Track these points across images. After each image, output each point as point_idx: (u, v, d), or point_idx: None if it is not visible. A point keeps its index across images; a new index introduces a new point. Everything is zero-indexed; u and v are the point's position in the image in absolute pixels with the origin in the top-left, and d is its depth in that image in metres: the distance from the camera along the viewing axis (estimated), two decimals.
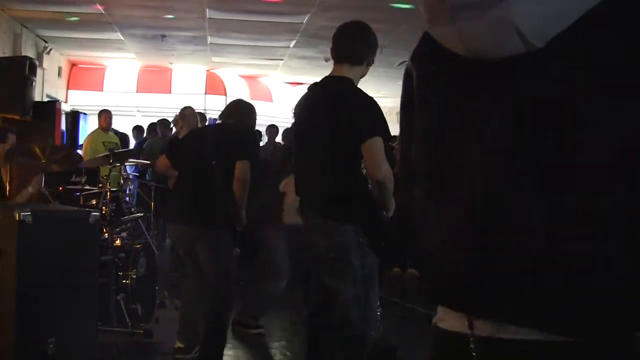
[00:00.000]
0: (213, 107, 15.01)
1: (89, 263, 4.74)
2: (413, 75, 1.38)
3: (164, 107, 14.12)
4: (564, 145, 1.09)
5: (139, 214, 6.80)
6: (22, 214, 4.31)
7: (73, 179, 6.92)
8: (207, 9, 10.17)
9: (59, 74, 14.44)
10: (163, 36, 12.20)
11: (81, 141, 11.71)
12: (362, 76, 3.98)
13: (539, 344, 1.12)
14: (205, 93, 16.28)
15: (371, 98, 3.82)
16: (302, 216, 4.05)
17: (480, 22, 1.12)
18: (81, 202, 6.22)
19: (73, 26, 11.47)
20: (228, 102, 5.74)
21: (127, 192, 8.15)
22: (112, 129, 10.65)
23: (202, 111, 11.40)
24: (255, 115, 5.33)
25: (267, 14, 10.37)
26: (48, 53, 12.90)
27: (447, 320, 1.27)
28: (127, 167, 7.82)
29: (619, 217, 1.07)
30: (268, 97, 17.36)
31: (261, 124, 12.30)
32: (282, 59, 14.31)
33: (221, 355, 4.94)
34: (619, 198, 1.07)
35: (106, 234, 5.73)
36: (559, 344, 1.11)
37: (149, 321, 5.83)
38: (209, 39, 12.46)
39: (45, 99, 12.44)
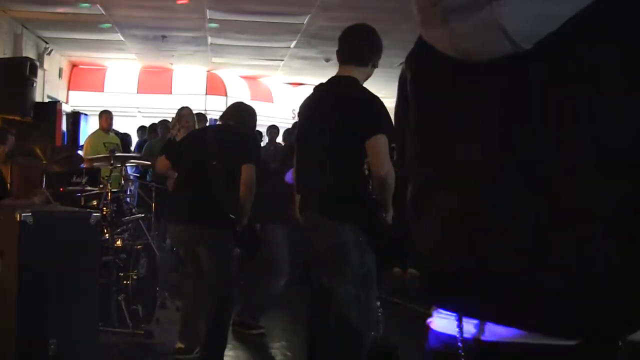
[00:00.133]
0: (214, 108, 15.02)
1: (90, 264, 4.75)
2: (407, 77, 1.38)
3: (164, 107, 14.12)
4: (552, 144, 1.10)
5: (140, 215, 6.81)
6: (23, 214, 4.31)
7: (74, 179, 6.92)
8: (208, 10, 10.17)
9: (60, 75, 14.44)
10: (164, 37, 12.20)
11: (82, 142, 11.71)
12: (367, 78, 4.01)
13: (527, 346, 1.12)
14: (206, 94, 16.28)
15: (376, 96, 3.84)
16: (301, 215, 4.06)
17: (469, 24, 1.13)
18: (82, 203, 6.23)
19: (74, 27, 11.47)
20: (229, 104, 5.74)
21: (128, 192, 8.16)
22: (113, 129, 10.65)
23: (203, 112, 11.40)
24: (255, 118, 5.35)
25: (267, 15, 10.37)
26: (49, 54, 12.91)
27: (438, 321, 1.27)
28: (127, 167, 7.80)
29: (608, 216, 1.08)
30: (269, 98, 17.36)
31: (262, 125, 12.29)
32: (282, 60, 14.31)
33: (222, 355, 4.94)
34: (607, 197, 1.07)
35: (107, 235, 5.73)
36: (549, 346, 1.11)
37: (150, 322, 5.83)
38: (210, 40, 12.47)
39: (46, 100, 12.45)
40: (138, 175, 9.89)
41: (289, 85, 17.96)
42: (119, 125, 11.74)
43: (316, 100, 4.08)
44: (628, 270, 1.08)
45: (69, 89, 15.52)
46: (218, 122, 5.69)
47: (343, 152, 3.81)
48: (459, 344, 1.19)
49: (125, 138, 12.14)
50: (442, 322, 1.25)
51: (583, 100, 1.09)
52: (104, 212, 5.75)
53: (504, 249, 1.13)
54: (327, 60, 13.25)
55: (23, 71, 9.82)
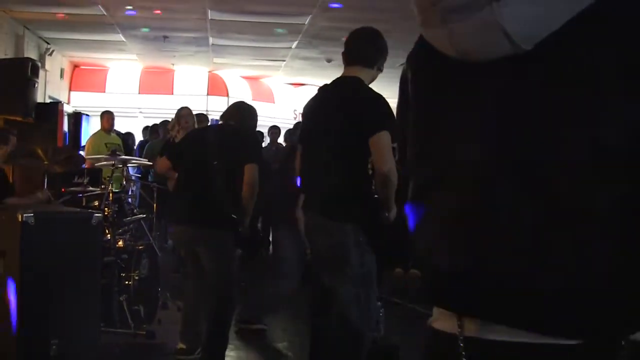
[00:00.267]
0: (215, 108, 15.01)
1: (92, 264, 4.75)
2: (408, 77, 1.39)
3: (166, 108, 14.12)
4: (551, 145, 1.10)
5: (142, 215, 6.81)
6: (24, 215, 4.32)
7: (75, 180, 6.92)
8: (209, 10, 10.18)
9: (61, 76, 14.45)
10: (165, 37, 12.20)
11: (83, 142, 11.71)
12: (372, 80, 4.02)
13: (528, 346, 1.12)
14: (208, 94, 16.29)
15: (381, 96, 3.86)
16: (304, 215, 4.06)
17: (469, 24, 1.13)
18: (83, 204, 6.23)
19: (75, 27, 11.48)
20: (230, 104, 5.73)
21: (130, 193, 8.16)
22: (115, 130, 10.66)
23: (205, 112, 11.39)
24: (256, 118, 5.34)
25: (268, 15, 10.37)
26: (50, 54, 12.92)
27: (440, 320, 1.27)
28: (129, 168, 7.81)
29: (607, 217, 1.08)
30: (270, 98, 17.37)
31: (263, 125, 12.30)
32: (284, 60, 14.32)
33: (223, 356, 4.94)
34: (606, 197, 1.08)
35: (108, 235, 5.73)
36: (549, 346, 1.11)
37: (152, 322, 5.83)
38: (211, 40, 12.47)
39: (48, 101, 12.46)
40: (139, 175, 9.89)
41: (291, 86, 17.96)
42: (120, 125, 11.75)
43: (321, 100, 4.09)
44: (627, 271, 1.08)
45: (70, 90, 15.53)
46: (219, 122, 5.67)
47: (347, 152, 3.82)
48: (460, 343, 1.20)
49: (127, 138, 12.16)
50: (443, 321, 1.25)
51: (582, 101, 1.09)
52: (106, 213, 5.75)
53: (504, 249, 1.13)
54: (329, 60, 13.26)
55: (25, 72, 9.83)
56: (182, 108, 7.29)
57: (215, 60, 14.66)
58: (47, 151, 6.16)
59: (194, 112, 7.47)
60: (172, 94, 16.07)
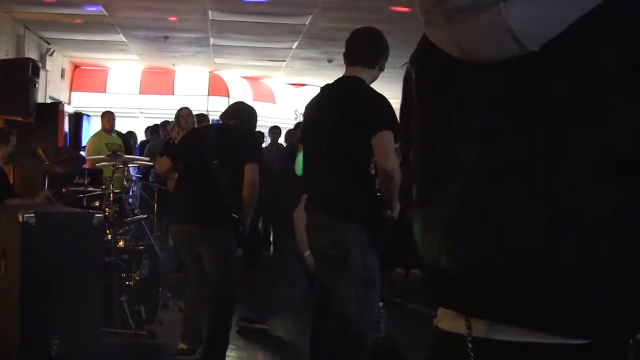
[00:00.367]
0: (216, 109, 14.99)
1: (92, 264, 4.76)
2: (412, 77, 1.38)
3: (166, 108, 14.11)
4: (556, 145, 1.10)
5: (142, 216, 6.82)
6: (25, 215, 4.32)
7: (76, 180, 6.92)
8: (210, 11, 10.18)
9: (62, 76, 14.45)
10: (166, 38, 12.20)
11: (84, 143, 11.72)
12: (374, 80, 4.02)
13: (536, 346, 1.12)
14: (208, 94, 16.28)
15: (383, 96, 3.87)
16: (307, 214, 4.06)
17: (475, 25, 1.13)
18: (84, 204, 6.24)
19: (76, 28, 11.48)
20: (230, 104, 5.73)
21: (130, 193, 8.16)
22: (115, 130, 10.66)
23: (205, 112, 11.39)
24: (256, 119, 5.33)
25: (269, 15, 10.37)
26: (51, 55, 12.91)
27: (446, 320, 1.27)
28: (130, 168, 7.81)
29: (612, 216, 1.08)
30: (271, 99, 17.36)
31: (264, 125, 12.31)
32: (284, 60, 14.31)
33: (224, 356, 4.94)
34: (612, 197, 1.08)
35: (109, 236, 5.74)
36: (557, 346, 1.11)
37: (152, 322, 5.84)
38: (212, 41, 12.47)
39: (48, 101, 12.45)
40: (140, 176, 9.89)
41: (291, 86, 17.95)
42: (121, 126, 11.75)
43: (322, 100, 4.09)
44: (634, 270, 1.08)
45: (71, 90, 15.52)
46: (219, 122, 5.65)
47: (350, 152, 3.82)
48: (469, 344, 1.19)
49: (128, 138, 12.16)
50: (449, 321, 1.25)
51: (587, 102, 1.09)
52: (107, 213, 5.75)
53: (510, 249, 1.13)
54: (330, 60, 13.25)
55: (25, 72, 9.83)
56: (182, 108, 7.28)
57: (216, 60, 14.65)
58: (48, 151, 6.15)
59: (195, 113, 7.47)
60: (173, 94, 16.06)
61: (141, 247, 6.01)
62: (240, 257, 5.63)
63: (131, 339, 5.39)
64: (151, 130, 12.13)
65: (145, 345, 5.41)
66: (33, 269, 4.34)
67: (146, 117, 15.16)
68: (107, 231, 5.71)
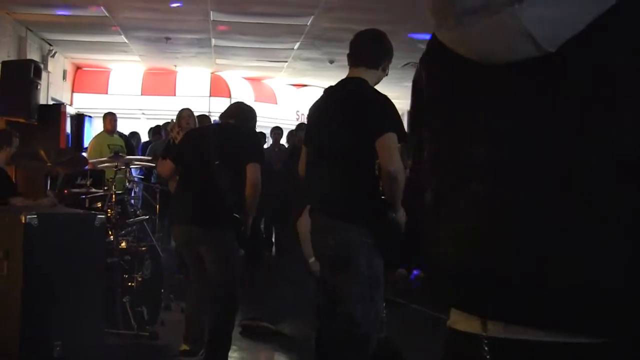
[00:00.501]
0: (218, 110, 14.95)
1: (95, 265, 4.76)
2: (422, 79, 1.37)
3: (168, 109, 14.12)
4: (570, 145, 1.10)
5: (144, 217, 6.82)
6: (28, 216, 4.33)
7: (78, 181, 6.93)
8: (211, 12, 10.18)
9: (64, 77, 14.46)
10: (167, 39, 12.21)
11: (86, 144, 11.73)
12: (378, 81, 4.02)
13: (553, 345, 1.12)
14: (210, 95, 16.29)
15: (387, 97, 3.87)
16: (310, 217, 4.06)
17: (489, 26, 1.12)
18: (86, 205, 6.24)
19: (77, 29, 11.49)
20: (229, 103, 5.72)
21: (132, 194, 8.17)
22: (117, 131, 10.67)
23: (207, 113, 11.40)
24: (256, 119, 5.32)
25: (270, 16, 10.37)
26: (53, 56, 12.92)
27: (461, 322, 1.26)
28: (132, 169, 7.82)
29: (630, 216, 1.07)
30: (272, 99, 17.37)
31: (266, 126, 12.32)
32: (286, 61, 14.31)
33: (226, 357, 4.94)
34: (628, 197, 1.07)
35: (111, 237, 5.75)
36: (574, 344, 1.10)
37: (155, 323, 5.84)
38: (213, 42, 12.48)
39: (50, 102, 12.46)
40: (142, 177, 9.90)
41: (293, 87, 17.96)
42: (122, 127, 11.76)
43: (326, 102, 4.09)
44: None
45: (73, 91, 15.53)
46: (218, 121, 5.62)
47: (354, 153, 3.82)
48: (485, 346, 1.19)
49: (131, 138, 12.17)
50: (464, 322, 1.25)
51: (600, 103, 1.09)
52: (109, 214, 5.76)
53: (524, 250, 1.12)
54: (331, 61, 13.25)
55: (27, 73, 9.84)
56: (183, 109, 7.29)
57: (218, 61, 14.66)
58: (50, 153, 6.16)
59: (197, 114, 7.47)
60: (175, 95, 16.06)
61: (143, 248, 6.01)
62: (242, 258, 5.62)
63: (133, 340, 5.39)
64: (153, 131, 12.13)
65: (147, 346, 5.42)
66: (35, 270, 4.34)
67: (148, 118, 15.17)
68: (110, 232, 5.72)
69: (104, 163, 6.91)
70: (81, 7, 10.05)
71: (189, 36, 12.12)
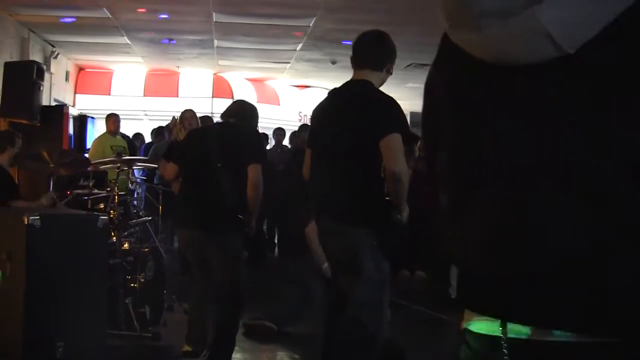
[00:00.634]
0: (220, 111, 14.91)
1: (97, 267, 4.76)
2: (436, 81, 1.36)
3: (171, 110, 14.11)
4: (594, 146, 1.09)
5: (147, 218, 6.82)
6: (30, 217, 4.33)
7: (81, 182, 6.93)
8: (214, 13, 10.19)
9: (67, 78, 14.47)
10: (170, 40, 12.22)
11: (89, 145, 11.74)
12: (382, 82, 4.02)
13: (575, 345, 1.11)
14: (213, 96, 16.30)
15: (392, 98, 3.86)
16: (315, 220, 4.05)
17: (507, 28, 1.11)
18: (89, 206, 6.24)
19: (80, 30, 11.50)
20: (231, 102, 5.69)
21: (135, 195, 8.18)
22: (120, 132, 10.69)
23: (210, 114, 11.40)
24: (257, 117, 5.28)
25: (273, 17, 10.37)
26: (55, 57, 12.93)
27: (478, 323, 1.25)
28: (134, 170, 7.82)
29: None
30: (275, 100, 17.37)
31: (268, 127, 12.32)
32: (288, 62, 14.32)
33: (230, 358, 4.94)
34: None
35: (114, 238, 5.75)
36: (594, 344, 1.10)
37: (157, 324, 5.84)
38: (216, 43, 12.48)
39: (53, 103, 12.48)
40: (145, 178, 9.91)
41: (296, 88, 17.96)
42: (125, 128, 11.77)
43: (330, 104, 4.08)
44: None
45: (75, 92, 15.54)
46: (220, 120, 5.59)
47: (359, 155, 3.81)
48: (504, 347, 1.18)
49: (134, 139, 12.18)
50: (481, 324, 1.24)
51: (621, 103, 1.08)
52: (111, 215, 5.76)
53: (546, 253, 1.11)
54: (334, 62, 13.25)
55: (30, 75, 9.85)
56: (186, 110, 7.29)
57: (220, 62, 14.67)
58: (53, 154, 6.16)
59: (199, 115, 7.48)
60: (177, 96, 16.08)
61: (146, 249, 6.01)
62: (245, 259, 5.62)
63: (136, 341, 5.39)
64: (155, 132, 12.14)
65: (150, 347, 5.42)
66: (38, 271, 4.34)
67: (150, 120, 15.17)
68: (112, 233, 5.72)
69: (107, 164, 6.91)
70: (84, 8, 10.06)
71: (192, 37, 12.12)
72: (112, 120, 10.31)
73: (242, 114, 5.15)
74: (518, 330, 1.17)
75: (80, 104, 15.24)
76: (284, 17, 10.32)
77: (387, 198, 3.83)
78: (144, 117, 15.78)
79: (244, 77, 16.73)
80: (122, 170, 6.47)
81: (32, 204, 5.71)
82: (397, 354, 4.68)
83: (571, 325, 1.11)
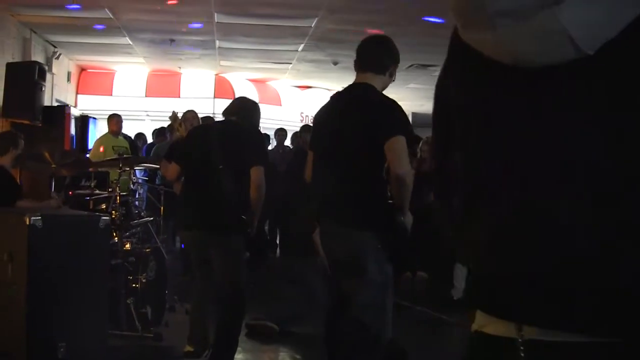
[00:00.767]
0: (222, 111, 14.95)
1: (99, 267, 4.77)
2: (446, 83, 1.35)
3: (173, 111, 14.14)
4: (608, 149, 1.08)
5: (149, 218, 6.83)
6: (32, 218, 4.33)
7: (83, 183, 6.94)
8: (215, 13, 10.19)
9: (68, 79, 14.48)
10: (172, 40, 12.22)
11: (91, 145, 11.75)
12: (385, 87, 4.02)
13: (590, 345, 1.11)
14: (214, 97, 16.30)
15: (395, 101, 3.87)
16: (318, 223, 4.05)
17: (525, 29, 1.09)
18: (91, 207, 6.25)
19: (82, 31, 11.51)
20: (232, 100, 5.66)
21: (137, 196, 8.18)
22: (122, 133, 10.70)
23: (211, 115, 11.40)
24: (259, 114, 5.26)
25: (275, 18, 10.38)
26: (57, 58, 12.94)
27: (491, 325, 1.24)
28: (136, 171, 7.83)
29: None
30: (277, 101, 17.37)
31: (270, 128, 12.32)
32: (290, 63, 14.32)
33: (232, 358, 4.94)
34: None
35: (116, 238, 5.75)
36: (609, 344, 1.09)
37: (159, 325, 5.84)
38: (218, 43, 12.49)
39: (55, 104, 12.48)
40: (147, 178, 9.91)
41: (297, 89, 17.96)
42: (127, 128, 11.78)
43: (333, 107, 4.09)
44: None
45: (77, 93, 15.55)
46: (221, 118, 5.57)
47: (362, 158, 3.80)
48: (520, 351, 1.17)
49: (137, 140, 12.19)
50: (496, 325, 1.22)
51: (634, 104, 1.07)
52: (113, 216, 5.76)
53: (560, 255, 1.11)
54: (335, 63, 13.25)
55: (32, 75, 9.86)
56: (188, 111, 7.30)
57: (222, 63, 14.67)
58: (54, 154, 6.17)
59: (201, 115, 7.48)
60: (179, 96, 16.08)
61: (148, 250, 6.02)
62: (246, 260, 5.62)
63: (137, 341, 5.39)
64: (157, 133, 12.16)
65: (151, 347, 5.42)
66: (40, 272, 4.35)
67: (152, 120, 15.18)
68: (114, 234, 5.72)
69: (108, 164, 6.92)
70: (85, 9, 10.07)
71: (193, 38, 12.13)
72: (114, 120, 10.32)
73: (243, 111, 5.12)
74: (534, 331, 1.16)
75: (82, 104, 15.25)
76: (285, 17, 10.32)
77: (389, 200, 3.83)
78: (145, 118, 15.78)
79: (245, 78, 16.73)
80: (124, 170, 6.47)
81: (41, 204, 5.71)
82: (398, 354, 4.68)
83: (585, 327, 1.11)
